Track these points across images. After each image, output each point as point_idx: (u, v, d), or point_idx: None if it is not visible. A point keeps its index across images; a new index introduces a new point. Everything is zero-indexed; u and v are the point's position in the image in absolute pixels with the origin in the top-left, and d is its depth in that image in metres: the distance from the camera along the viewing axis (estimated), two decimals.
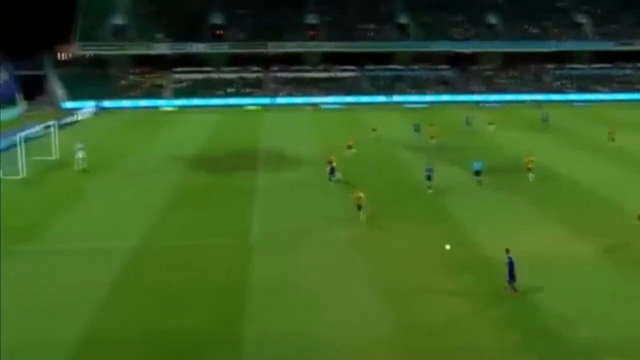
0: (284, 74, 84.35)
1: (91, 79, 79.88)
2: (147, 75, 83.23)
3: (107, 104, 75.04)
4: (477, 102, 76.42)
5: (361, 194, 28.88)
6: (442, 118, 62.31)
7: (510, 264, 20.90)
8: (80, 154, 41.02)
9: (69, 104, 74.80)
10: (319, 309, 20.25)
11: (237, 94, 79.73)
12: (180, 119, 66.72)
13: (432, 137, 48.29)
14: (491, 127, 53.99)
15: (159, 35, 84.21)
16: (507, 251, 21.26)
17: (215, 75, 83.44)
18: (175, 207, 32.35)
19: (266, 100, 77.86)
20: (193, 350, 17.97)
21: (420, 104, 75.94)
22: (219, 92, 79.85)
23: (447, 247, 23.65)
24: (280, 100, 78.55)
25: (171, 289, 21.87)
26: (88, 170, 40.26)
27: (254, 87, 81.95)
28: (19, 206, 32.68)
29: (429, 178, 33.78)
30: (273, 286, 22.01)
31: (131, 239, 27.00)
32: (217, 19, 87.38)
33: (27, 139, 41.73)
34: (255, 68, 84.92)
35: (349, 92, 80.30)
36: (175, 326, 19.19)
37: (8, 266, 24.06)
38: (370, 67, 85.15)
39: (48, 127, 46.94)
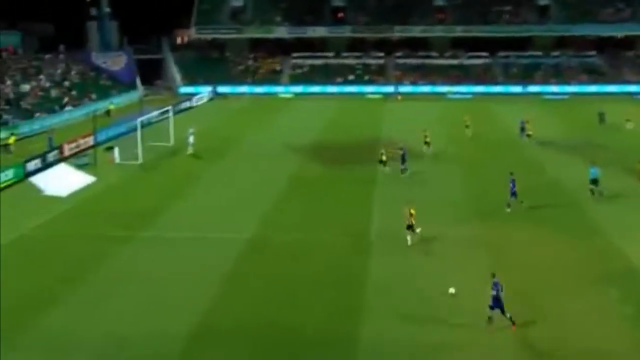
0: (409, 61, 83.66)
1: (208, 63, 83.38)
2: (264, 60, 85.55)
3: (222, 89, 77.99)
4: (630, 94, 71.96)
5: (412, 210, 25.82)
6: (579, 112, 59.56)
7: (496, 291, 19.06)
8: (191, 139, 43.14)
9: (186, 89, 78.46)
10: (438, 316, 20.10)
11: (357, 81, 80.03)
12: (297, 106, 68.05)
13: (528, 135, 46.21)
14: (629, 125, 50.52)
15: (277, 19, 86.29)
16: (493, 275, 19.42)
17: (335, 61, 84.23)
18: (291, 198, 33.19)
19: (389, 89, 77.58)
20: (304, 346, 18.42)
21: (561, 95, 72.67)
22: (338, 79, 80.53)
23: (451, 290, 20.93)
24: (404, 88, 77.97)
25: (284, 283, 22.54)
26: (198, 155, 42.29)
27: (376, 74, 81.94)
28: (135, 192, 34.91)
29: (512, 193, 29.80)
30: (390, 287, 22.09)
31: (245, 230, 28.03)
32: (338, 1, 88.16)
33: (144, 124, 44.34)
34: (377, 54, 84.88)
35: (479, 81, 78.32)
36: (287, 321, 19.78)
37: (124, 252, 25.75)
38: (505, 53, 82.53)
39: (165, 112, 49.58)
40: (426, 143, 42.54)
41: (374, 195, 33.43)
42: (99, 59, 76.85)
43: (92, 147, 43.54)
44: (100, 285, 22.66)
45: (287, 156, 42.81)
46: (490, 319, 19.15)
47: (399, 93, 74.09)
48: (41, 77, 64.96)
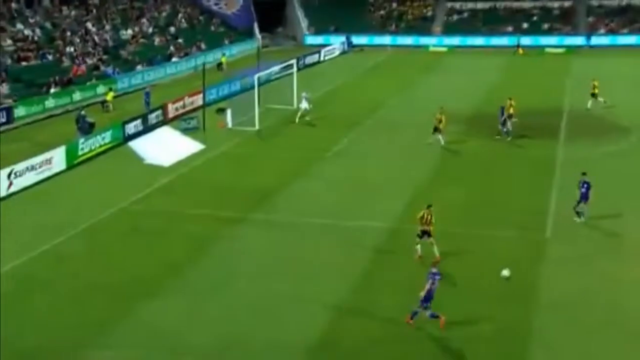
0: (607, 2, 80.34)
1: (341, 7, 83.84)
2: (411, 4, 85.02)
3: (358, 40, 78.31)
4: None
5: (432, 218, 24.07)
6: None
7: (432, 283, 19.48)
8: (304, 104, 43.65)
9: (313, 39, 79.56)
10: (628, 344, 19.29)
11: (534, 31, 78.10)
12: (452, 62, 67.40)
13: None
14: None
15: None
16: (435, 264, 20.26)
17: (503, 4, 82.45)
18: (443, 179, 33.04)
19: (577, 40, 75.17)
20: None
21: None
22: (508, 29, 78.88)
23: (505, 273, 21.43)
24: (597, 40, 75.11)
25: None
26: (313, 123, 43.06)
27: (559, 22, 79.49)
28: (250, 164, 35.97)
29: (582, 198, 27.28)
30: (569, 302, 21.46)
31: (384, 217, 28.14)
32: None
33: (262, 82, 45.43)
34: None
35: None
36: (429, 335, 19.51)
37: (234, 237, 26.58)
38: None
39: (287, 67, 50.49)
40: (510, 116, 40.05)
41: (554, 181, 32.54)
42: (210, 0, 79.24)
43: (201, 107, 45.14)
44: (206, 275, 23.44)
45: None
46: (415, 314, 19.68)
47: (518, 45, 71.82)
48: (143, 21, 68.02)
